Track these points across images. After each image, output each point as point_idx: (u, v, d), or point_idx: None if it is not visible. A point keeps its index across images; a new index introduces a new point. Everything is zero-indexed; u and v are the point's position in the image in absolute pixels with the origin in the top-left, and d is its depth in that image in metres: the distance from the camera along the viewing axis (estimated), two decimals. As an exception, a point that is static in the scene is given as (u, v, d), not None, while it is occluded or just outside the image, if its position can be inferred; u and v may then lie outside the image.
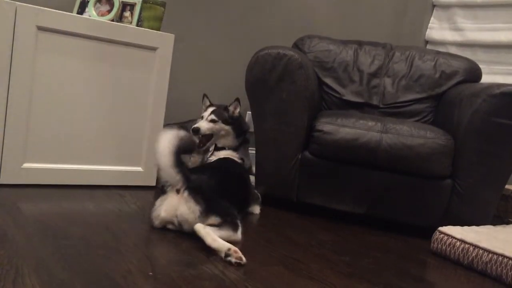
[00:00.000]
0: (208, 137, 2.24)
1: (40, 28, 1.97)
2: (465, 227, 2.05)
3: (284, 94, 2.24)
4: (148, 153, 2.31)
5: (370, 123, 2.23)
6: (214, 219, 1.63)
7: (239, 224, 1.70)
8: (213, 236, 1.56)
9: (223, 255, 1.52)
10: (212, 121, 2.24)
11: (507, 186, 2.66)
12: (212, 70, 3.07)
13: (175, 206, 1.68)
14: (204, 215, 1.64)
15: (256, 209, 2.19)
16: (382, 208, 2.24)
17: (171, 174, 1.64)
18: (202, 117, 2.29)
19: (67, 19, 2.03)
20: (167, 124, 2.74)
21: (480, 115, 2.13)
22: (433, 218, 2.21)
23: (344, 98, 2.78)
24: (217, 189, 1.76)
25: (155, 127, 2.31)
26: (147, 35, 2.23)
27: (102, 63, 2.14)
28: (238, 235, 1.67)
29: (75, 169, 2.14)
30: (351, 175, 2.24)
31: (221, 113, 2.27)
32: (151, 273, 1.34)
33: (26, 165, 2.03)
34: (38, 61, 1.99)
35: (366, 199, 2.24)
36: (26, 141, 2.01)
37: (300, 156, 2.28)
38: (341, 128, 2.22)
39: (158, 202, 1.73)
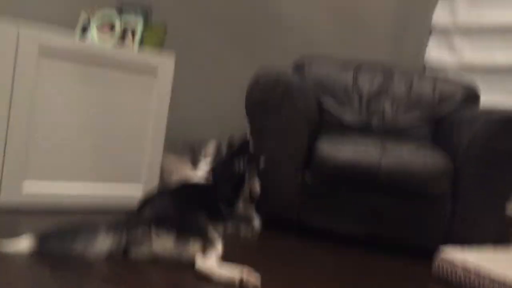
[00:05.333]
0: None
1: (42, 53, 1.99)
2: (467, 250, 2.03)
3: (284, 116, 2.25)
4: (148, 176, 2.31)
5: (370, 146, 2.24)
6: (194, 244, 1.59)
7: (213, 234, 1.67)
8: (218, 270, 1.52)
9: (237, 284, 1.49)
10: None
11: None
12: (213, 89, 3.09)
13: (149, 243, 1.62)
14: (181, 239, 1.60)
15: (245, 230, 2.17)
16: (383, 230, 2.23)
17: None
18: None
19: (69, 44, 2.05)
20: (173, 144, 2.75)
21: (478, 140, 2.14)
22: (434, 240, 2.19)
23: (343, 120, 2.79)
24: (178, 205, 1.73)
25: (155, 149, 2.32)
26: (148, 56, 2.25)
27: (103, 86, 2.16)
28: (219, 248, 1.63)
29: (75, 191, 2.14)
30: (351, 197, 2.23)
31: None
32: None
33: (26, 185, 2.02)
34: (39, 85, 2.00)
35: (367, 221, 2.23)
36: (26, 161, 2.01)
37: (300, 178, 2.27)
38: (341, 151, 2.22)
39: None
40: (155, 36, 2.33)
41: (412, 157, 2.19)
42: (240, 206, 2.21)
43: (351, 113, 2.81)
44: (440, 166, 2.16)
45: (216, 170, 2.18)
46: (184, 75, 2.93)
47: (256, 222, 2.26)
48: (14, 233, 1.61)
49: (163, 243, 1.61)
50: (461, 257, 1.94)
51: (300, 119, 2.24)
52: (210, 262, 1.54)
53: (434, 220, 2.19)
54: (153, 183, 2.32)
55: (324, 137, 2.33)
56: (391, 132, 2.75)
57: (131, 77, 2.22)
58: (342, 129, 2.77)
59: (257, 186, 2.23)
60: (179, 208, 1.74)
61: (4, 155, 1.96)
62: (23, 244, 1.49)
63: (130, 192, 2.25)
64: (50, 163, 2.08)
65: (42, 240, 1.50)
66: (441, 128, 2.65)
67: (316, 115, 2.41)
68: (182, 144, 2.80)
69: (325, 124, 2.79)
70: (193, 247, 1.59)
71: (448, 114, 2.67)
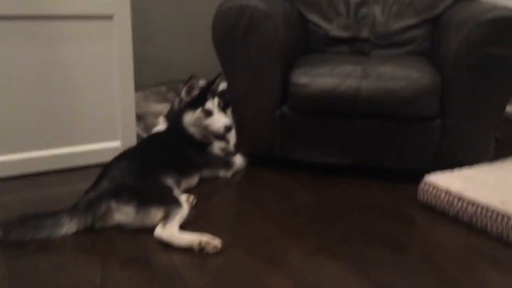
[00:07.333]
0: None
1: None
2: (455, 172, 1.92)
3: (253, 49, 2.08)
4: (125, 126, 2.25)
5: (349, 69, 2.06)
6: (156, 211, 1.56)
7: (178, 198, 1.65)
8: (178, 236, 1.51)
9: (197, 250, 1.47)
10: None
11: None
12: (179, 27, 2.92)
13: (111, 216, 1.60)
14: (142, 209, 1.57)
15: (223, 173, 2.12)
16: (370, 156, 2.13)
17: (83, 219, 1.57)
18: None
19: (4, 2, 1.90)
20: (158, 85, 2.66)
21: (467, 47, 1.91)
22: (424, 161, 2.08)
23: (330, 34, 2.58)
24: (137, 168, 1.71)
25: (127, 97, 2.23)
26: (100, 2, 2.08)
27: (57, 42, 2.04)
28: (185, 208, 1.62)
29: (50, 154, 2.12)
30: (334, 126, 2.12)
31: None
32: (98, 283, 1.32)
33: (-3, 158, 2.01)
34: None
35: (352, 148, 2.13)
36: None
37: (279, 112, 2.15)
38: (317, 79, 2.06)
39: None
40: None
41: (396, 76, 2.00)
42: (215, 148, 2.15)
43: (338, 26, 2.58)
44: (426, 83, 1.97)
45: (171, 113, 2.10)
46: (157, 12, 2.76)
47: (238, 160, 2.21)
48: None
49: (124, 215, 1.59)
50: (445, 181, 1.84)
51: (270, 51, 2.06)
52: (170, 229, 1.52)
53: (423, 140, 2.05)
54: (131, 136, 2.26)
55: (300, 64, 2.16)
56: (384, 41, 2.53)
57: (84, 26, 2.07)
58: (330, 43, 2.58)
59: (218, 123, 2.07)
60: (140, 173, 1.70)
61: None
62: None
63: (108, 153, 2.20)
64: (18, 135, 2.04)
65: (5, 230, 1.50)
66: (437, 29, 2.41)
67: (293, 38, 2.21)
68: (166, 88, 2.70)
69: (313, 40, 2.61)
70: (155, 215, 1.57)
71: (445, 13, 2.41)
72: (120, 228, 1.61)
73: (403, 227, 1.72)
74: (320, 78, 2.06)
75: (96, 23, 2.09)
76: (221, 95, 2.51)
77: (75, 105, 2.13)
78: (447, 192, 1.79)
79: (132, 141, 2.25)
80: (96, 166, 2.14)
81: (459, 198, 1.74)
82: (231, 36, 2.08)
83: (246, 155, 2.27)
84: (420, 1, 2.51)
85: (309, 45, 2.61)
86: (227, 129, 2.04)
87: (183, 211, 1.61)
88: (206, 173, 2.06)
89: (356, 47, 2.56)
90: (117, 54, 2.16)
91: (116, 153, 1.94)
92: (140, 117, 2.50)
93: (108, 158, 1.95)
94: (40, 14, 1.98)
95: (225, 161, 2.15)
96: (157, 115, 2.51)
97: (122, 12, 2.12)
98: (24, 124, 2.05)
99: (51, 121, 2.10)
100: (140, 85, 2.62)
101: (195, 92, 2.05)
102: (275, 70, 2.09)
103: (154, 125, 2.48)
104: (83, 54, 2.10)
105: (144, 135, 2.45)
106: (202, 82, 2.67)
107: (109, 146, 2.22)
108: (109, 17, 2.11)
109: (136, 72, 2.27)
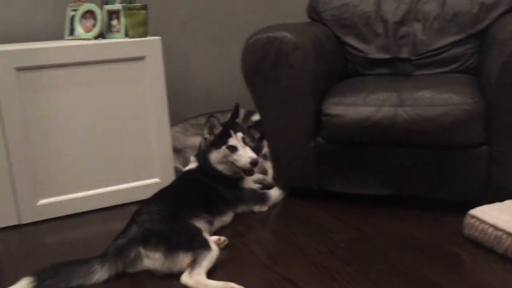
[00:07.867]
0: None
1: (19, 69, 1.96)
2: (505, 203, 1.78)
3: (283, 81, 2.05)
4: (162, 162, 2.28)
5: (384, 96, 1.98)
6: (184, 257, 1.55)
7: (208, 240, 1.63)
8: (204, 283, 1.49)
9: None
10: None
11: None
12: (211, 60, 2.93)
13: (140, 262, 1.62)
14: (170, 255, 1.57)
15: (258, 208, 2.08)
16: (411, 187, 2.02)
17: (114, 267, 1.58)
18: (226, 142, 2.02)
19: (43, 54, 2.00)
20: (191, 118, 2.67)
21: (510, 69, 1.78)
22: (472, 191, 1.94)
23: (369, 56, 2.50)
24: (167, 212, 1.71)
25: (163, 134, 2.26)
26: (132, 45, 2.14)
27: (92, 85, 2.10)
28: (214, 251, 1.60)
29: (91, 194, 2.18)
30: (371, 156, 2.03)
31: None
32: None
33: (42, 201, 2.09)
34: (25, 101, 1.99)
35: (391, 179, 2.03)
36: (35, 179, 2.06)
37: (313, 143, 2.10)
38: (350, 108, 1.99)
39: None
40: (137, 20, 2.18)
41: (434, 102, 1.89)
42: (249, 182, 2.11)
43: (376, 47, 2.49)
44: (467, 109, 1.84)
45: (200, 153, 2.10)
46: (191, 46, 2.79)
47: (275, 194, 2.17)
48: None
49: (153, 261, 1.60)
50: (492, 214, 1.70)
51: (300, 83, 2.02)
52: (196, 277, 1.50)
53: (469, 169, 1.92)
54: (169, 172, 2.30)
55: (333, 93, 2.10)
56: (426, 60, 2.41)
57: (119, 68, 2.13)
58: (369, 66, 2.50)
59: (243, 159, 2.02)
60: (169, 217, 1.71)
61: (14, 180, 2.02)
62: (22, 285, 1.50)
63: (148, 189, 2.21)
64: (61, 178, 2.11)
65: (40, 280, 1.51)
66: (485, 44, 2.26)
67: (321, 71, 2.14)
68: (205, 119, 2.70)
69: (351, 63, 2.54)
70: (183, 260, 1.56)
71: (492, 26, 2.26)
72: (150, 272, 1.62)
73: (445, 267, 1.60)
74: (353, 107, 1.98)
75: (129, 65, 2.14)
76: (257, 125, 2.49)
77: (115, 145, 2.19)
78: (494, 227, 1.65)
79: (171, 177, 2.27)
80: (136, 202, 2.19)
81: (508, 234, 1.61)
82: (260, 69, 2.06)
83: (283, 187, 2.23)
84: (463, 16, 2.36)
85: (348, 68, 2.54)
86: (253, 163, 1.98)
87: (212, 255, 1.59)
88: (241, 209, 2.04)
89: (396, 68, 2.46)
90: (151, 93, 2.20)
91: (156, 189, 1.98)
92: (179, 151, 2.52)
93: (148, 194, 1.98)
94: (82, 61, 2.07)
95: (260, 195, 2.11)
96: (195, 149, 2.53)
97: (153, 53, 2.16)
98: (67, 168, 2.13)
99: (93, 162, 2.17)
100: (179, 118, 2.65)
101: (217, 130, 2.03)
102: (306, 101, 2.05)
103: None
104: (119, 95, 2.16)
105: (184, 169, 2.47)
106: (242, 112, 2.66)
107: (148, 183, 2.26)
108: (141, 59, 2.15)
109: (175, 105, 2.30)
